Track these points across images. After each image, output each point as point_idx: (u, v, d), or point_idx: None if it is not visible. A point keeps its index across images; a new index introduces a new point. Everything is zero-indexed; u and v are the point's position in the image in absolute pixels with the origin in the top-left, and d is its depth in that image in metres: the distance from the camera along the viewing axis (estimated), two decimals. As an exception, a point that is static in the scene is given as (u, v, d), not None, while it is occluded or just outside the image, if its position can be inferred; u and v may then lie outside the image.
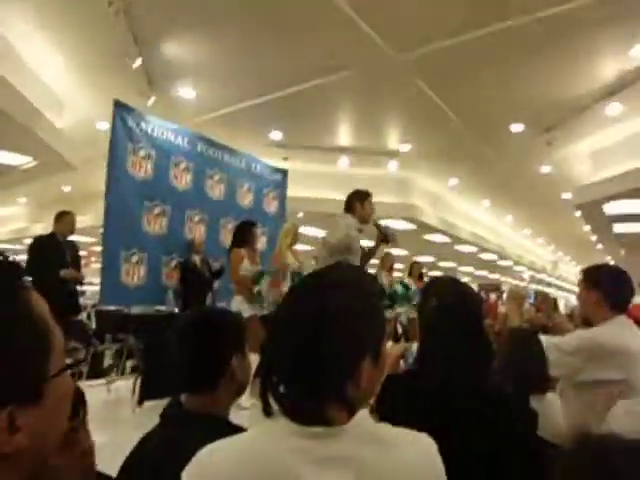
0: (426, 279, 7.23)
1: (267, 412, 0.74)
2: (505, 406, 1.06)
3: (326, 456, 0.67)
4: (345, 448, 0.68)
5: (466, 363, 1.05)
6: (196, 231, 5.32)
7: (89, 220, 10.51)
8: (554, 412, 1.44)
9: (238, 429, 1.05)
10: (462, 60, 5.29)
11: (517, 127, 7.08)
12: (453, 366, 1.05)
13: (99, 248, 4.55)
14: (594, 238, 12.25)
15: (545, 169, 8.92)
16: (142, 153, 4.82)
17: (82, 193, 11.06)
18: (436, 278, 1.33)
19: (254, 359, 4.34)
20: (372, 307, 0.77)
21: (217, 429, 1.01)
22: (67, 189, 11.45)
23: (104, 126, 6.72)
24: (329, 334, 0.70)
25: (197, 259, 4.95)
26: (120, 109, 4.66)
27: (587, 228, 11.25)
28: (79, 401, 0.56)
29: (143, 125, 4.86)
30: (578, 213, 9.81)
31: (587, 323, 2.00)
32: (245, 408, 3.84)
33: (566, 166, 8.63)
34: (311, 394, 0.70)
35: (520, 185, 9.98)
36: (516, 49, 5.07)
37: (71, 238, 4.81)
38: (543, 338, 1.75)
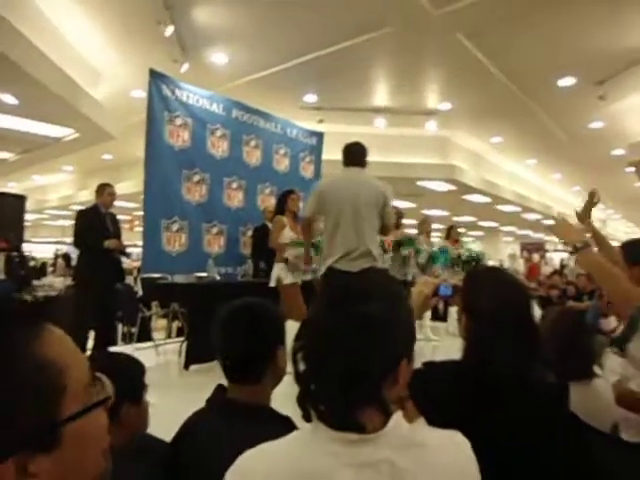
0: (463, 239, 7.07)
1: (307, 419, 0.76)
2: (549, 401, 1.04)
3: (362, 461, 0.69)
4: (381, 453, 0.69)
5: (514, 354, 1.03)
6: (235, 198, 5.38)
7: (132, 187, 10.81)
8: (603, 399, 1.40)
9: (283, 418, 1.09)
10: (505, 10, 4.93)
11: (566, 81, 6.64)
12: (501, 357, 1.03)
13: (142, 213, 4.67)
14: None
15: (596, 125, 8.41)
16: (179, 121, 4.84)
17: (123, 160, 11.34)
18: (482, 268, 1.29)
19: (294, 326, 4.47)
20: (406, 312, 0.79)
21: (264, 419, 1.05)
22: (109, 157, 11.75)
23: (140, 94, 6.77)
24: (371, 343, 0.72)
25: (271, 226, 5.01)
26: (155, 78, 4.66)
27: (640, 185, 10.66)
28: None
29: (178, 93, 4.85)
30: (631, 169, 9.30)
31: None
32: (290, 373, 3.97)
33: (619, 121, 8.10)
34: (353, 401, 0.71)
35: (568, 142, 9.47)
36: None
37: (116, 203, 4.98)
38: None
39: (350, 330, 0.72)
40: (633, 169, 8.34)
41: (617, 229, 23.80)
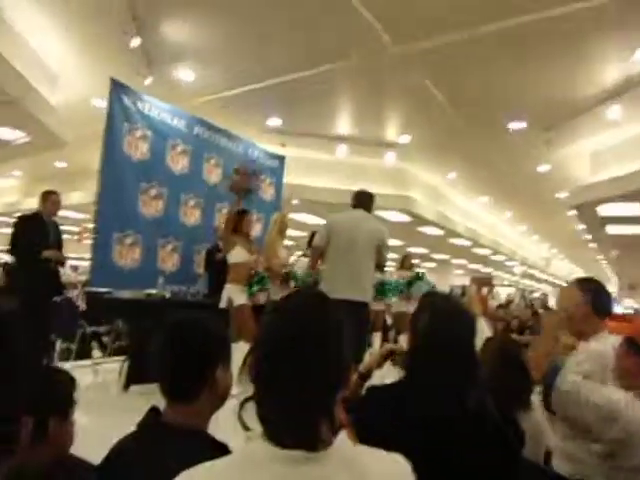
0: (416, 269, 7.24)
1: (246, 428, 0.74)
2: (492, 427, 1.06)
3: None
4: (326, 473, 0.68)
5: (453, 382, 1.05)
6: (192, 216, 5.29)
7: (82, 197, 10.44)
8: (538, 429, 1.44)
9: (219, 444, 1.04)
10: (464, 56, 5.23)
11: (517, 125, 7.06)
12: (440, 384, 1.05)
13: (92, 225, 4.49)
14: (588, 237, 12.32)
15: (543, 168, 8.92)
16: (139, 133, 4.75)
17: (76, 169, 10.94)
18: (432, 293, 1.33)
19: (245, 347, 4.35)
20: (343, 325, 0.79)
21: (198, 444, 1.00)
22: (61, 165, 11.32)
23: (99, 103, 6.61)
24: (323, 353, 0.72)
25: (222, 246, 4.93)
26: (117, 88, 4.57)
27: (581, 227, 11.31)
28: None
29: (140, 105, 4.78)
30: (573, 212, 9.85)
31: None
32: (232, 395, 3.86)
33: (564, 166, 8.63)
34: (301, 413, 0.70)
35: (518, 182, 9.98)
36: (519, 47, 5.02)
37: (66, 213, 4.75)
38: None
39: (305, 339, 0.72)
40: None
41: (560, 268, 25.07)
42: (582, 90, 5.87)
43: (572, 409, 1.53)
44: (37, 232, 4.38)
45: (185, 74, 6.18)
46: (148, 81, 5.72)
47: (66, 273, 4.79)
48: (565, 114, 6.50)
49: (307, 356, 0.71)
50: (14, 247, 4.37)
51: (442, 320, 1.13)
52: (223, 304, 4.29)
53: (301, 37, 5.14)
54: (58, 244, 4.59)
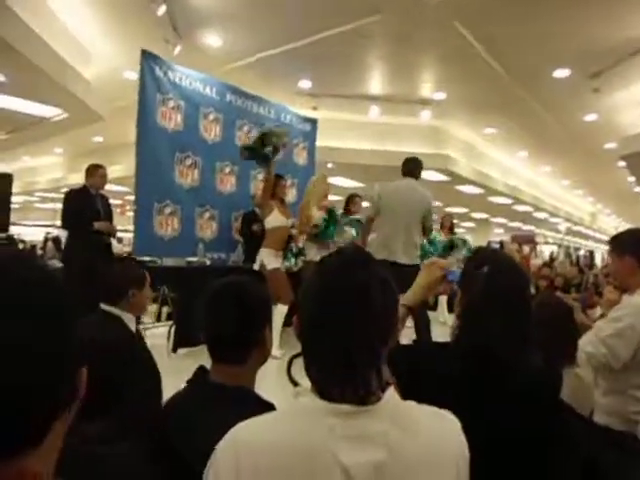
0: (456, 230, 7.11)
1: (295, 383, 0.76)
2: (539, 384, 1.04)
3: (358, 434, 0.68)
4: (376, 426, 0.69)
5: (505, 335, 1.03)
6: (227, 183, 5.34)
7: (122, 170, 10.68)
8: (584, 384, 1.42)
9: (266, 404, 1.07)
10: (501, 2, 4.90)
11: (561, 72, 6.63)
12: (491, 336, 1.03)
13: (133, 197, 4.61)
14: (638, 190, 11.71)
15: (589, 117, 8.41)
16: (171, 104, 4.78)
17: (114, 143, 11.18)
18: (485, 248, 1.28)
19: (282, 310, 4.46)
20: (388, 280, 0.78)
21: (246, 403, 1.03)
22: (99, 139, 11.58)
23: (131, 75, 6.66)
24: (370, 307, 0.72)
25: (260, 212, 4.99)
26: (148, 59, 4.58)
27: (631, 179, 10.73)
28: None
29: (171, 75, 4.78)
30: (622, 164, 9.35)
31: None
32: (275, 357, 3.98)
33: (612, 115, 8.12)
34: (348, 368, 0.71)
35: (561, 134, 9.49)
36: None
37: (107, 187, 4.88)
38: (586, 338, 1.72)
39: (348, 293, 0.72)
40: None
41: (607, 223, 24.03)
42: (632, 31, 5.42)
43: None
44: (87, 205, 4.49)
45: (213, 40, 6.11)
46: (177, 50, 5.69)
47: (112, 245, 4.95)
48: (613, 59, 6.05)
49: (351, 310, 0.71)
50: (65, 220, 4.53)
51: (503, 273, 1.10)
52: (256, 267, 4.39)
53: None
54: (109, 217, 4.72)
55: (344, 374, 0.71)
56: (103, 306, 1.78)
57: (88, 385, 0.52)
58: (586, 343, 1.65)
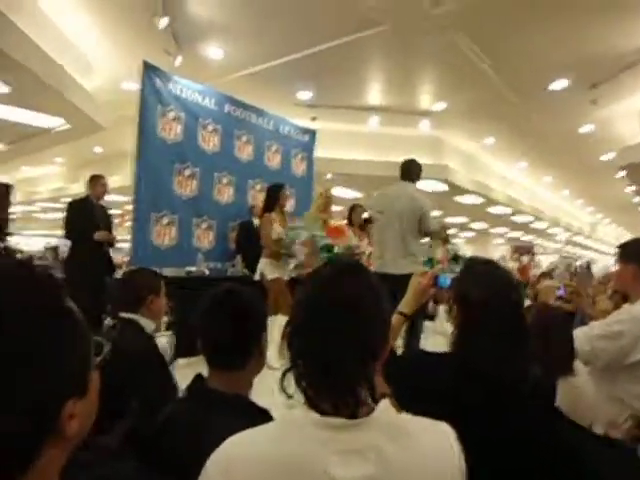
0: (453, 240, 7.05)
1: (288, 396, 0.76)
2: (539, 396, 1.04)
3: (349, 448, 0.67)
4: (368, 439, 0.68)
5: (499, 347, 1.02)
6: (225, 194, 5.36)
7: (122, 180, 10.71)
8: (583, 394, 1.41)
9: (261, 411, 1.08)
10: (502, 12, 4.95)
11: (559, 83, 6.69)
12: (485, 349, 1.02)
13: (132, 206, 4.63)
14: (638, 200, 11.74)
15: (588, 128, 8.47)
16: (172, 115, 4.80)
17: (114, 153, 11.22)
18: (479, 260, 1.27)
19: (283, 320, 4.43)
20: (380, 293, 0.78)
21: (242, 410, 1.03)
22: (99, 150, 11.63)
23: (132, 86, 6.71)
24: (360, 319, 0.71)
25: (257, 223, 4.99)
26: (149, 70, 4.61)
27: (631, 189, 10.76)
28: None
29: (171, 86, 4.81)
30: (622, 174, 9.38)
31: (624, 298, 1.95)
32: (274, 368, 3.95)
33: (610, 125, 8.16)
34: (338, 381, 0.70)
35: (560, 145, 9.54)
36: (558, 1, 4.71)
37: (106, 197, 4.94)
38: (579, 331, 1.74)
39: (339, 304, 0.72)
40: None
41: (607, 233, 24.03)
42: (628, 44, 5.48)
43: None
44: (88, 215, 4.59)
45: (214, 52, 6.17)
46: (178, 61, 5.74)
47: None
48: (611, 70, 6.10)
49: (341, 322, 0.70)
50: (68, 231, 4.61)
51: (499, 290, 1.10)
52: (257, 277, 4.39)
53: (328, 6, 4.99)
54: (108, 226, 4.79)
55: (334, 386, 0.70)
56: (122, 314, 1.86)
57: (103, 393, 0.56)
58: (576, 336, 1.67)
